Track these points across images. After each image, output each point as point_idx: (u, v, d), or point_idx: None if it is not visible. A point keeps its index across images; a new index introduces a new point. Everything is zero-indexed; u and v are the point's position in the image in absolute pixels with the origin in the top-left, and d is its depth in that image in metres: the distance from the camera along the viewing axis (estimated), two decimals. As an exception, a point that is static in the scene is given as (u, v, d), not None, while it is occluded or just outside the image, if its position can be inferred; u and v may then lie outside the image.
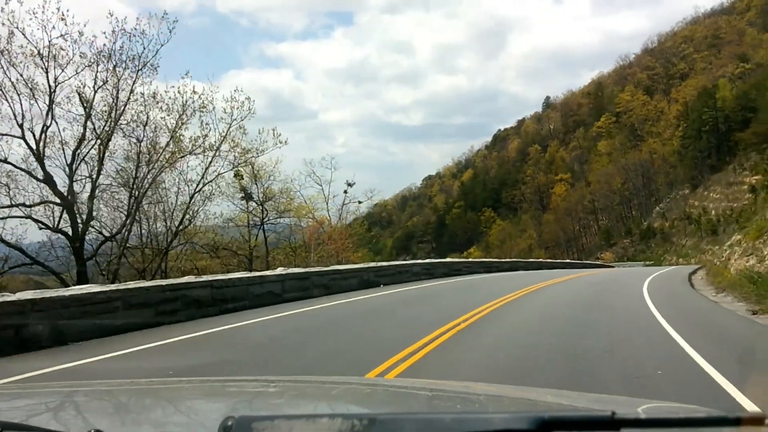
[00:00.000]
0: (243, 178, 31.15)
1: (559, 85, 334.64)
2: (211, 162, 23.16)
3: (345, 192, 37.56)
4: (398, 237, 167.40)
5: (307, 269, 16.63)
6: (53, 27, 18.70)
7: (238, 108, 23.56)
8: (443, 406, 1.77)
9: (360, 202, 37.34)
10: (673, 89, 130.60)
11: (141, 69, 20.47)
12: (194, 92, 22.36)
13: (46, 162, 19.33)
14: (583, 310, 12.48)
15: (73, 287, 9.50)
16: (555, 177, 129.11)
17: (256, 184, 29.89)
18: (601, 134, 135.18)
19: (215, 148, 22.94)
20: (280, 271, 14.91)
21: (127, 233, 21.80)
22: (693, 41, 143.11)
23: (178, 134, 21.85)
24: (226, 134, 23.08)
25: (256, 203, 30.82)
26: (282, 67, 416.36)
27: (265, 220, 31.11)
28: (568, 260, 53.71)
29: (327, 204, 36.51)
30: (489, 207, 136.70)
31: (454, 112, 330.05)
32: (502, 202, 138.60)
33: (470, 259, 33.94)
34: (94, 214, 21.17)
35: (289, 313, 12.13)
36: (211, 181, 23.92)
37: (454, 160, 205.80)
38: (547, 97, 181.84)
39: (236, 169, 25.59)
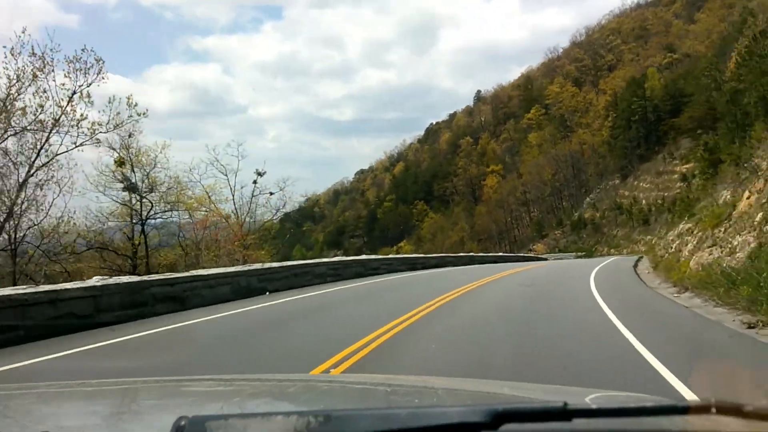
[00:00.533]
0: (123, 165, 26.33)
1: (490, 80, 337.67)
2: (47, 139, 18.25)
3: (254, 183, 33.09)
4: (329, 232, 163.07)
5: (143, 277, 12.19)
6: None
7: (82, 71, 18.72)
8: (401, 401, 1.77)
9: (271, 193, 32.82)
10: (601, 80, 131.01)
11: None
12: (32, 53, 17.50)
13: None
14: (524, 334, 8.66)
15: None
16: (487, 169, 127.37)
17: (134, 171, 25.04)
18: (532, 126, 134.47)
19: (55, 119, 18.02)
20: (94, 281, 10.45)
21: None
22: (620, 33, 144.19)
23: (8, 106, 16.91)
24: (67, 104, 18.21)
25: (138, 195, 25.97)
26: (209, 61, 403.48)
27: (150, 215, 26.34)
28: (500, 253, 50.42)
29: (233, 196, 32.01)
30: (421, 200, 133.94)
31: (386, 107, 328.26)
32: (434, 194, 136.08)
33: (391, 256, 30.03)
34: None
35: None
36: (47, 163, 18.99)
37: (387, 153, 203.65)
38: (478, 91, 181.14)
39: (96, 142, 20.59)
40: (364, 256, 24.77)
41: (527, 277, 20.79)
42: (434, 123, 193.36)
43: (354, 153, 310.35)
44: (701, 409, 0.85)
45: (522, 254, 64.10)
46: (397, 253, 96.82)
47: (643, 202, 78.70)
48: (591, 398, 1.56)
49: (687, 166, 74.47)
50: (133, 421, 1.60)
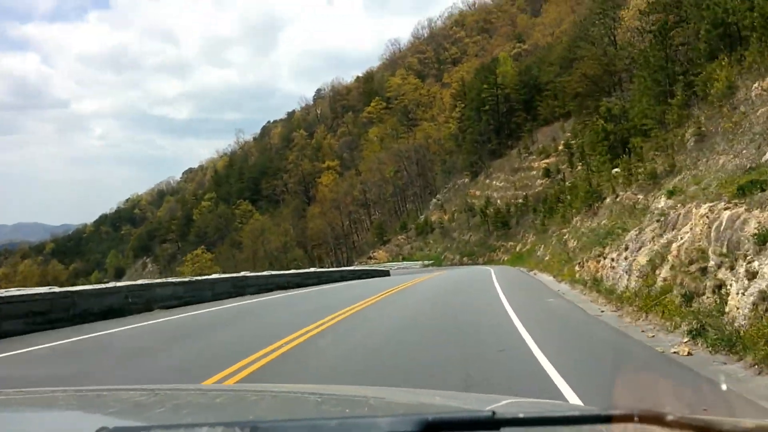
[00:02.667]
0: None
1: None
2: None
3: None
4: (138, 235, 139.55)
5: None
6: None
7: None
8: (331, 411, 1.73)
9: None
10: (445, 74, 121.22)
11: None
12: None
13: None
14: None
15: None
16: (322, 165, 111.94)
17: None
18: (372, 120, 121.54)
19: None
20: None
21: None
22: (464, 26, 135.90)
23: None
24: None
25: None
26: (28, 50, 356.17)
27: None
28: (312, 269, 33.09)
29: None
30: (246, 199, 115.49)
31: (225, 107, 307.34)
32: (263, 194, 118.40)
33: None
34: None
35: None
36: None
37: (219, 152, 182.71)
38: (318, 90, 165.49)
39: None
40: None
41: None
42: (271, 121, 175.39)
43: (191, 154, 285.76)
44: (624, 418, 0.86)
45: (353, 267, 47.45)
46: (192, 263, 77.83)
47: (498, 202, 67.03)
48: (519, 407, 1.55)
49: (548, 160, 63.78)
50: None
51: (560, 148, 61.93)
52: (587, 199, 29.35)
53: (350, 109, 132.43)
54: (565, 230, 32.77)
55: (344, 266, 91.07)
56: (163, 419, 1.55)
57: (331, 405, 1.84)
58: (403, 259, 79.34)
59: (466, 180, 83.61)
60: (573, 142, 57.77)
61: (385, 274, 42.45)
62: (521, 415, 0.91)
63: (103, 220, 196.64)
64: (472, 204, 72.91)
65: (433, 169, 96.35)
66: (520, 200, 59.41)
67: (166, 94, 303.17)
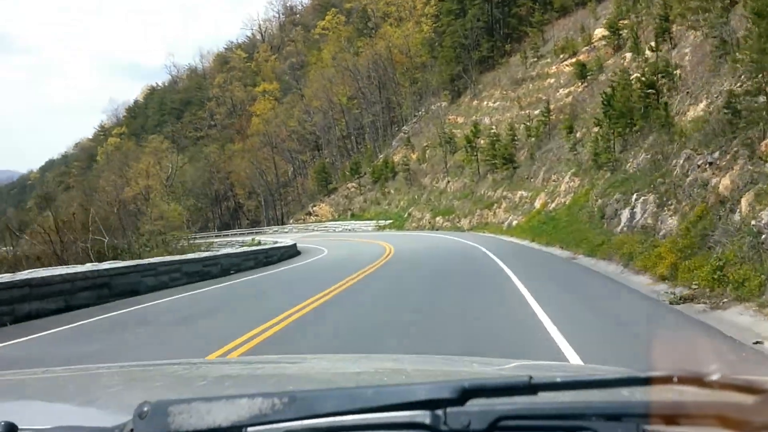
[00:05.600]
0: None
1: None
2: None
3: None
4: (44, 182, 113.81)
5: None
6: None
7: None
8: (369, 380, 1.78)
9: None
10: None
11: None
12: None
13: None
14: None
15: None
16: (256, 89, 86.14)
17: None
18: (327, 37, 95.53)
19: None
20: None
21: None
22: None
23: None
24: None
25: None
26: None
27: None
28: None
29: None
30: (164, 134, 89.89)
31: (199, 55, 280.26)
32: (187, 128, 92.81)
33: None
34: None
35: None
36: None
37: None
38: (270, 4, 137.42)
39: None
40: None
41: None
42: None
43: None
44: (663, 379, 0.87)
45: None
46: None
47: (494, 129, 42.68)
48: (557, 372, 1.59)
49: (575, 59, 39.31)
50: (97, 408, 1.54)
51: (598, 36, 37.79)
52: None
53: (300, 23, 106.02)
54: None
55: (281, 225, 67.15)
56: (204, 392, 1.58)
57: (368, 374, 1.88)
58: (353, 217, 55.37)
59: (445, 103, 58.99)
60: (624, 21, 33.75)
61: (288, 254, 18.57)
62: (558, 380, 0.92)
63: (49, 166, 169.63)
64: (452, 135, 48.69)
65: (400, 92, 71.41)
66: (539, 119, 35.24)
67: (141, 39, 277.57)
